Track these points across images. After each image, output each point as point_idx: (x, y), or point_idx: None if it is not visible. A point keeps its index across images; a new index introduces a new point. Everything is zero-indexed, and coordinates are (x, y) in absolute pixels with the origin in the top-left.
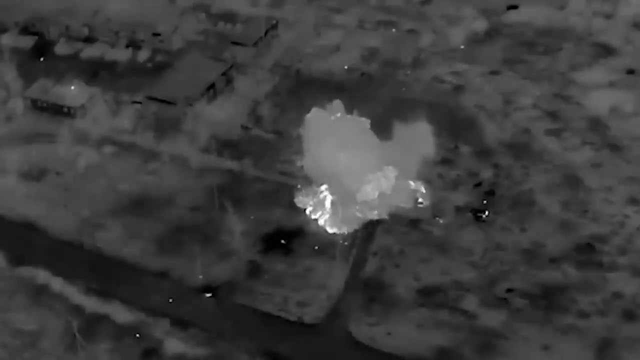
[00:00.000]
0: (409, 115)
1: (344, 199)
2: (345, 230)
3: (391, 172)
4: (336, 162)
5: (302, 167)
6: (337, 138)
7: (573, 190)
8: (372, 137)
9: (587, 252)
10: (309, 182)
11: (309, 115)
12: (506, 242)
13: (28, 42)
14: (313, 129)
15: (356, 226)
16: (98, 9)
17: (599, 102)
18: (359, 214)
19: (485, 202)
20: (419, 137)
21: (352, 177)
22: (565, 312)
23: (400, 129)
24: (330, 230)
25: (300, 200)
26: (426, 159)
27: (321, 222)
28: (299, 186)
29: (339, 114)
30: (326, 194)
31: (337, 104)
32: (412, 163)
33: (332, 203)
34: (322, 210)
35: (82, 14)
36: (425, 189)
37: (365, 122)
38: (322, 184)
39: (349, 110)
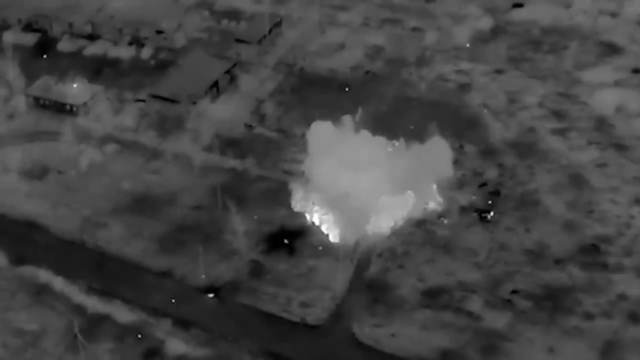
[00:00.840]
0: (413, 114)
1: (351, 221)
2: (348, 237)
3: (410, 199)
4: (344, 184)
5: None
6: (345, 155)
7: (578, 191)
8: (386, 157)
9: (592, 253)
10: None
11: (313, 127)
12: (511, 243)
13: (31, 39)
14: (318, 144)
15: (361, 234)
16: (101, 6)
17: (605, 101)
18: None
19: (490, 202)
20: (436, 156)
21: (363, 203)
22: (570, 313)
23: (415, 147)
24: (332, 238)
25: (298, 204)
26: (445, 181)
27: (323, 228)
28: (295, 189)
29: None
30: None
31: (347, 119)
32: (430, 185)
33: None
34: (323, 218)
35: (85, 11)
36: (441, 197)
37: (379, 140)
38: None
39: (354, 109)
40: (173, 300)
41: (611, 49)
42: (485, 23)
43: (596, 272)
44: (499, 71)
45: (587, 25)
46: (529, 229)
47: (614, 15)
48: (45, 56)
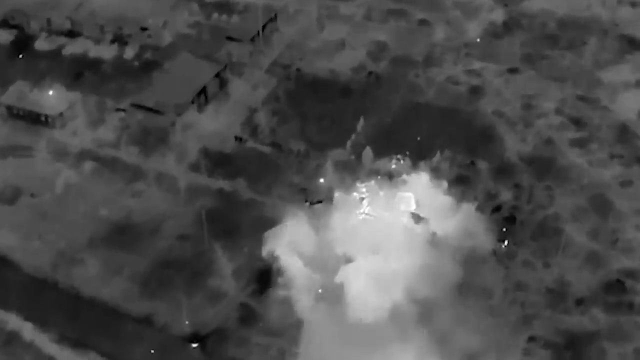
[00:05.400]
0: (420, 124)
1: None
2: None
3: None
4: None
5: None
6: None
7: (601, 216)
8: None
9: (616, 292)
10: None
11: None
12: (528, 280)
13: (7, 37)
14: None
15: None
16: (82, 1)
17: (627, 105)
18: None
19: (504, 229)
20: None
21: None
22: None
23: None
24: None
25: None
26: None
27: None
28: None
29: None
30: None
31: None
32: None
33: None
34: None
35: (65, 6)
36: None
37: None
38: None
39: (356, 118)
40: (152, 352)
41: (631, 45)
42: (498, 15)
43: (621, 315)
44: (512, 70)
45: (606, 17)
46: (547, 264)
47: (634, 5)
48: (21, 56)
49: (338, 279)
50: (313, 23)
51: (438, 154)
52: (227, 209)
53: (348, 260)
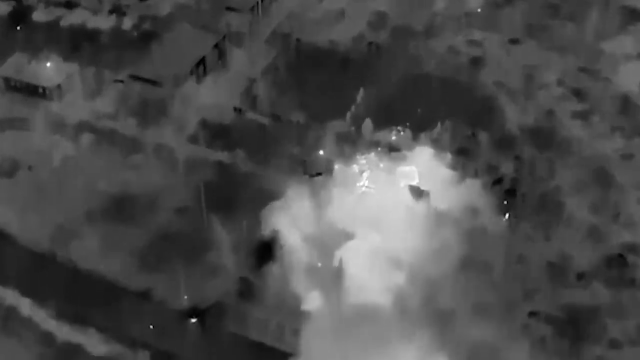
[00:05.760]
0: (421, 96)
1: None
2: None
3: None
4: None
5: None
6: None
7: (603, 189)
8: None
9: (618, 266)
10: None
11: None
12: (529, 254)
13: (5, 8)
14: None
15: None
16: None
17: (628, 77)
18: None
19: (505, 202)
20: None
21: None
22: (594, 342)
23: None
24: None
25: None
26: None
27: None
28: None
29: None
30: None
31: None
32: None
33: None
34: None
35: None
36: None
37: None
38: None
39: (356, 89)
40: (152, 327)
41: (634, 16)
42: None
43: (622, 290)
44: (513, 41)
45: None
46: (548, 237)
47: None
48: (19, 27)
49: (338, 252)
50: None
51: (439, 126)
52: (225, 181)
53: (348, 233)
